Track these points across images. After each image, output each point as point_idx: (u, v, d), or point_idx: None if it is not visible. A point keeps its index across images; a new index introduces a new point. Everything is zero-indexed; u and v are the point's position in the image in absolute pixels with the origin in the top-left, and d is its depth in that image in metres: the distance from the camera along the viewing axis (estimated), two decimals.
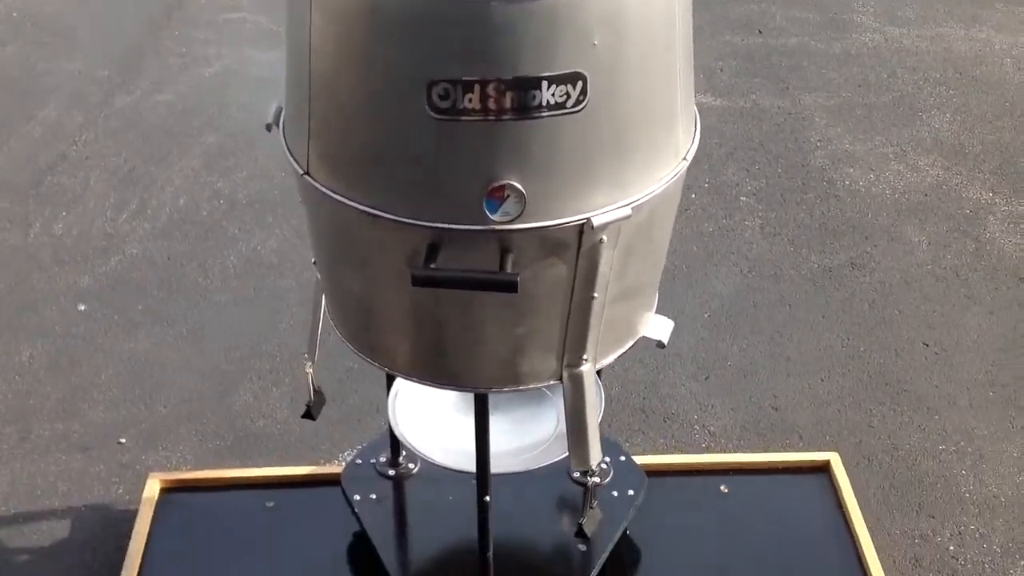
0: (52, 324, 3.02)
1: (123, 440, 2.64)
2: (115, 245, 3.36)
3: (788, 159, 3.87)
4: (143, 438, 2.65)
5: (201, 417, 2.71)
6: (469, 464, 1.90)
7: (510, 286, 1.52)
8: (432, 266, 1.54)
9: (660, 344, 1.86)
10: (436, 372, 1.74)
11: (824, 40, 4.73)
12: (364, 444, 2.37)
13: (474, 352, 1.70)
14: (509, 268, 1.54)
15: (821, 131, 4.04)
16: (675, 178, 1.65)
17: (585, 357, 1.71)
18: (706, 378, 2.87)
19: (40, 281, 3.19)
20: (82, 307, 3.09)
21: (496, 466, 1.89)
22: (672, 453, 2.58)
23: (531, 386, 1.73)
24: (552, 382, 1.73)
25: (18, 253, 3.32)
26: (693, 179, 3.67)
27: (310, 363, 2.01)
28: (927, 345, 2.98)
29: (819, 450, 2.56)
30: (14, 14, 4.84)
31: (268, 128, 1.76)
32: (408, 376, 1.77)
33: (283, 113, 1.71)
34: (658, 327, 1.87)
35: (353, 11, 1.46)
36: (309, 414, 2.04)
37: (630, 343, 1.83)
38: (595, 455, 1.75)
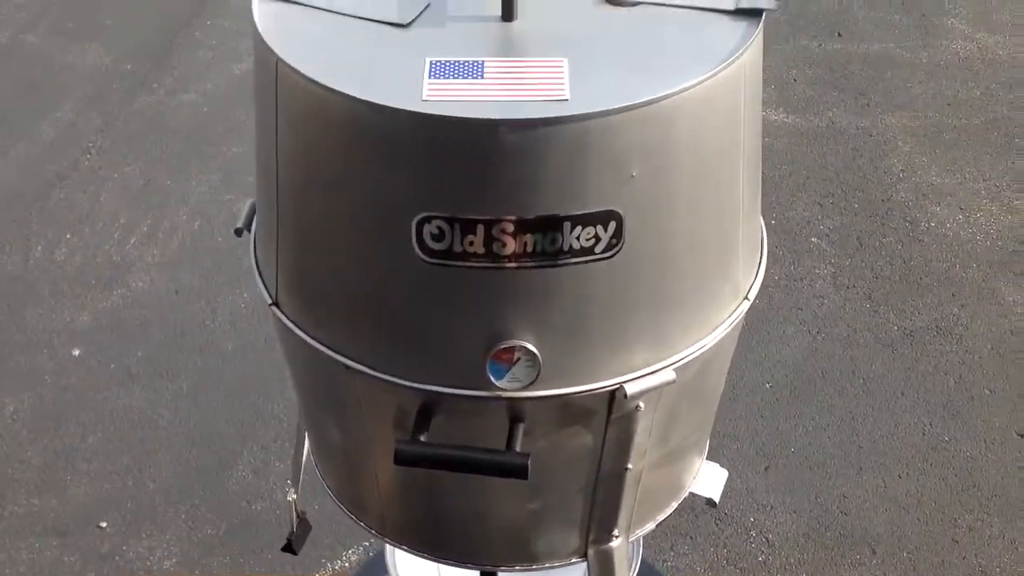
0: (42, 372, 2.75)
1: (104, 524, 2.36)
2: (120, 276, 3.07)
3: (867, 192, 3.47)
4: (126, 522, 2.36)
5: (193, 496, 2.42)
6: None
7: (519, 471, 1.18)
8: (422, 438, 1.21)
9: (711, 503, 1.53)
10: (433, 545, 1.42)
11: (910, 48, 4.29)
12: (368, 545, 2.07)
13: (478, 526, 1.38)
14: (519, 443, 1.21)
15: (905, 158, 3.63)
16: (732, 325, 1.30)
17: (616, 532, 1.38)
18: (766, 468, 2.51)
19: (34, 318, 2.92)
20: (76, 352, 2.81)
21: None
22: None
23: (548, 565, 1.40)
24: (574, 560, 1.40)
25: (15, 283, 3.05)
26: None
27: (293, 490, 1.70)
28: (1022, 436, 2.60)
29: (894, 572, 2.21)
30: None
31: (238, 233, 1.43)
32: (400, 546, 1.45)
33: (255, 220, 1.38)
34: (709, 481, 1.54)
35: (324, 121, 1.13)
36: (290, 547, 1.73)
37: (674, 505, 1.50)
38: None
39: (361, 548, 2.27)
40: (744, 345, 2.81)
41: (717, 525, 2.37)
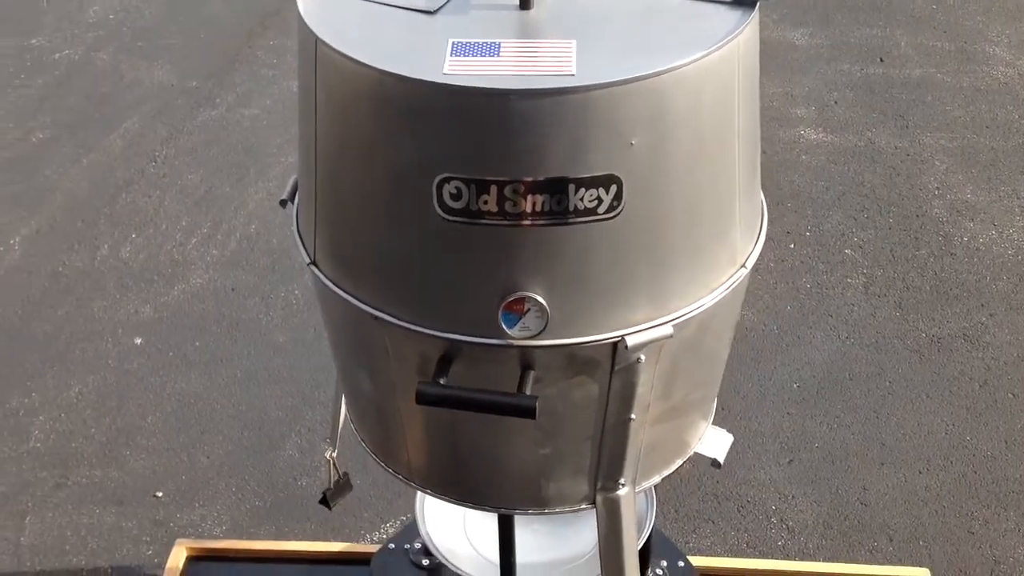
0: (106, 358, 2.93)
1: (160, 494, 2.52)
2: (180, 273, 3.26)
3: (902, 208, 3.55)
4: (180, 492, 2.52)
5: (243, 472, 2.57)
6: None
7: (527, 411, 1.30)
8: (442, 381, 1.35)
9: (715, 463, 1.64)
10: (455, 489, 1.55)
11: (951, 72, 4.36)
12: (404, 519, 2.20)
13: (495, 471, 1.51)
14: (529, 388, 1.33)
15: (941, 177, 3.71)
16: (729, 289, 1.41)
17: (622, 481, 1.50)
18: (789, 461, 2.61)
19: (100, 309, 3.11)
20: (139, 340, 2.99)
21: None
22: (741, 557, 2.33)
23: (559, 510, 1.52)
24: (583, 506, 1.52)
25: (83, 278, 3.24)
26: (793, 226, 3.40)
27: (331, 449, 1.84)
28: None
29: (910, 560, 2.28)
30: (111, 16, 4.81)
31: (283, 204, 1.58)
32: (425, 490, 1.58)
33: (297, 193, 1.53)
34: (713, 443, 1.65)
35: (356, 93, 1.27)
36: (325, 501, 1.87)
37: (679, 462, 1.61)
38: None
39: (399, 521, 2.40)
40: (773, 347, 2.94)
41: (739, 512, 2.47)
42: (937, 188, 3.65)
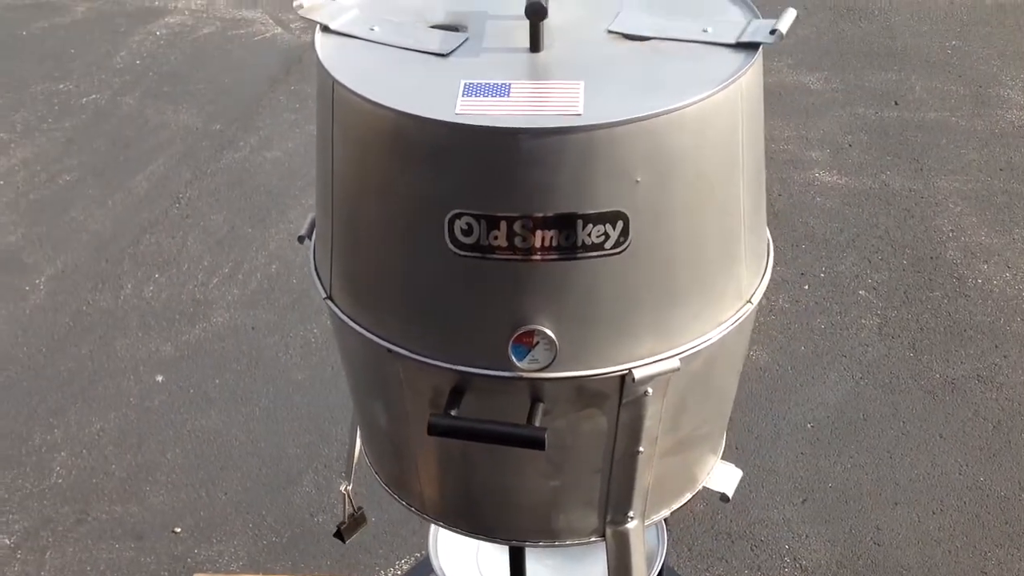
0: (128, 395, 2.97)
1: (178, 529, 2.55)
2: (202, 312, 3.31)
3: (916, 250, 3.58)
4: (199, 528, 2.55)
5: (260, 508, 2.60)
6: None
7: (536, 443, 1.33)
8: (453, 413, 1.38)
9: (724, 498, 1.66)
10: (466, 521, 1.58)
11: (966, 116, 4.40)
12: (418, 556, 2.22)
13: (506, 503, 1.53)
14: (539, 419, 1.37)
15: (955, 219, 3.73)
16: (735, 324, 1.44)
17: (631, 514, 1.52)
18: (803, 501, 2.62)
19: (123, 348, 3.16)
20: (160, 378, 3.03)
21: None
22: None
23: (569, 543, 1.55)
24: (593, 539, 1.54)
25: (106, 317, 3.29)
26: (808, 267, 3.42)
27: (347, 483, 1.87)
28: None
29: None
30: (137, 62, 4.91)
31: (300, 240, 1.63)
32: (437, 522, 1.61)
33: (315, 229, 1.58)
34: (723, 477, 1.66)
35: (371, 132, 1.32)
36: (340, 535, 1.89)
37: (688, 496, 1.62)
38: None
39: (413, 558, 2.42)
40: (787, 387, 2.95)
41: (752, 551, 2.48)
42: (951, 230, 3.67)
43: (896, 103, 4.52)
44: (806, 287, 3.35)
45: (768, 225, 1.55)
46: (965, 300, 3.32)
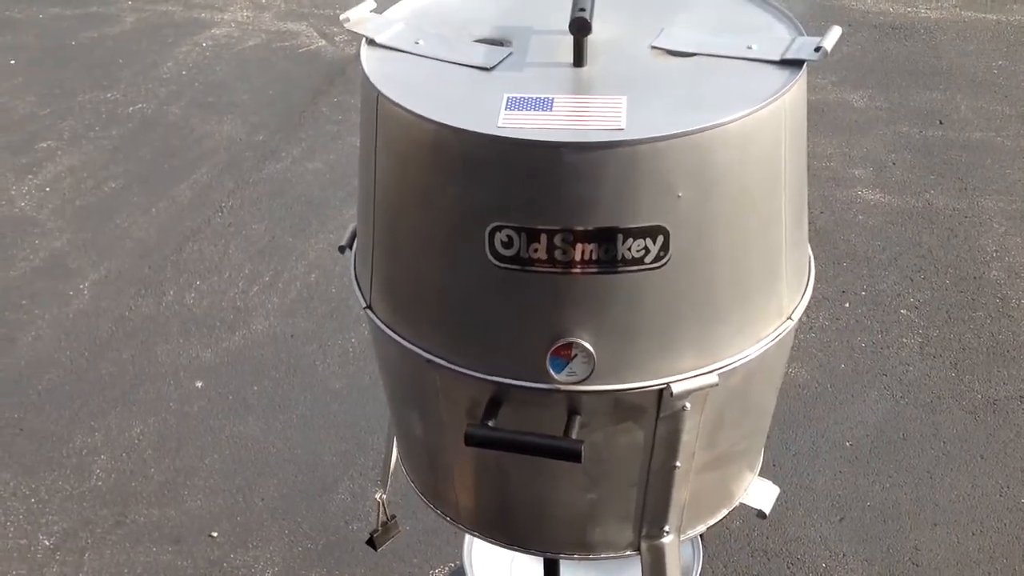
0: (168, 400, 3.01)
1: (215, 533, 2.57)
2: (242, 319, 3.34)
3: (959, 269, 3.54)
4: (235, 533, 2.57)
5: (296, 514, 2.62)
6: None
7: (573, 455, 1.34)
8: (491, 423, 1.39)
9: (761, 514, 1.65)
10: (501, 531, 1.58)
11: (1012, 136, 4.36)
12: (452, 566, 2.22)
13: (542, 514, 1.53)
14: (575, 432, 1.37)
15: (999, 239, 3.69)
16: (775, 341, 1.44)
17: (667, 529, 1.52)
18: (841, 519, 2.60)
19: (164, 353, 3.19)
20: (199, 384, 3.06)
21: None
22: None
23: (604, 556, 1.55)
24: (628, 553, 1.54)
25: (148, 322, 3.33)
26: (849, 285, 3.40)
27: (382, 491, 1.88)
28: None
29: None
30: (183, 72, 4.98)
31: (341, 250, 1.65)
32: (472, 532, 1.61)
33: (356, 240, 1.59)
34: (760, 494, 1.65)
35: (415, 144, 1.33)
36: (372, 543, 1.90)
37: (724, 512, 1.62)
38: None
39: (447, 567, 2.43)
40: (827, 405, 2.93)
41: (789, 569, 2.46)
42: (995, 251, 3.64)
43: (940, 122, 4.48)
44: (847, 305, 3.32)
45: (810, 242, 1.54)
46: (1008, 320, 3.29)
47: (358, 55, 1.41)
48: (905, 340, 3.21)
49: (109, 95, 4.79)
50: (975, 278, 3.50)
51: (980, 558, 2.48)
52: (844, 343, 3.18)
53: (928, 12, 5.55)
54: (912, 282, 3.48)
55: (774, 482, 1.68)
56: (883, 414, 2.93)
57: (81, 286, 3.51)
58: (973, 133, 4.38)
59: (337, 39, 5.30)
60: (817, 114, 4.48)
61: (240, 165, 4.22)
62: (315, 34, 5.40)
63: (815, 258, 1.54)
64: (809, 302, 1.47)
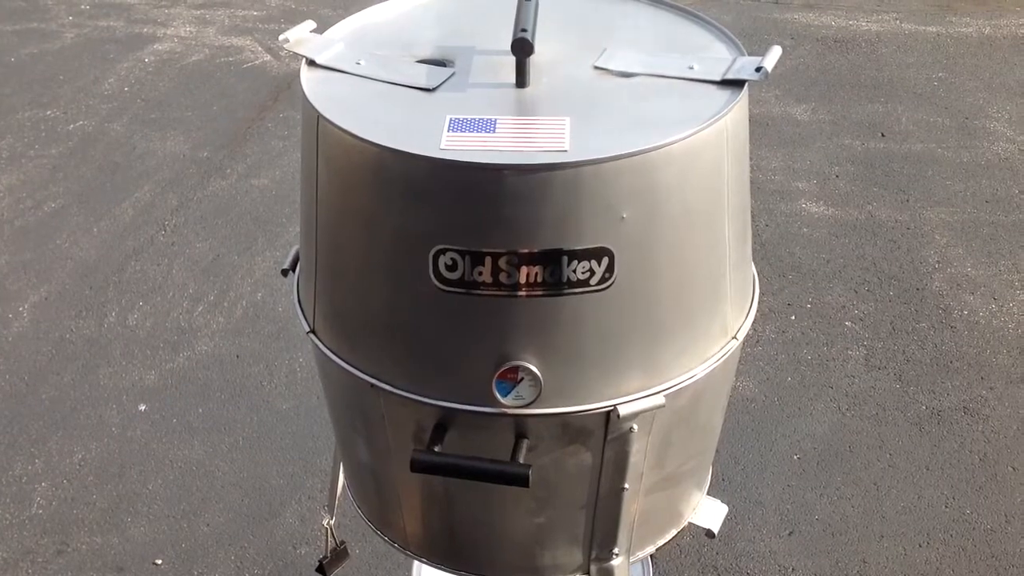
0: (110, 424, 2.95)
1: (159, 561, 2.52)
2: (186, 340, 3.29)
3: (902, 281, 3.58)
4: (180, 560, 2.52)
5: (242, 540, 2.58)
6: None
7: (520, 480, 1.32)
8: (437, 449, 1.37)
9: (710, 534, 1.65)
10: (450, 557, 1.57)
11: (952, 148, 4.42)
12: None
13: (490, 539, 1.52)
14: (523, 456, 1.36)
15: (941, 251, 3.74)
16: (721, 360, 1.43)
17: (616, 551, 1.51)
18: (790, 533, 2.60)
19: (106, 376, 3.13)
20: (143, 407, 3.01)
21: None
22: None
23: None
24: None
25: (90, 345, 3.27)
26: (795, 298, 3.42)
27: (329, 517, 1.85)
28: None
29: None
30: (125, 89, 4.91)
31: (284, 273, 1.63)
32: (421, 559, 1.59)
33: (299, 263, 1.57)
34: (708, 513, 1.66)
35: (356, 167, 1.31)
36: (322, 570, 1.87)
37: (673, 532, 1.62)
38: None
39: None
40: (774, 419, 2.94)
41: None
42: (937, 262, 3.68)
43: (883, 134, 4.54)
44: (793, 317, 3.35)
45: (754, 255, 1.54)
46: (951, 332, 3.33)
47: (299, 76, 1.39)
48: (851, 352, 3.24)
49: (49, 112, 4.71)
50: (918, 289, 3.54)
51: (927, 570, 2.50)
52: (791, 356, 3.20)
53: (869, 25, 5.63)
54: (856, 294, 3.51)
55: (723, 497, 1.68)
56: (830, 427, 2.95)
57: (20, 308, 3.44)
58: (914, 145, 4.44)
59: (282, 53, 5.25)
60: (761, 127, 4.52)
61: (184, 182, 4.17)
62: (260, 49, 5.36)
63: (760, 271, 1.54)
64: (755, 316, 1.47)
